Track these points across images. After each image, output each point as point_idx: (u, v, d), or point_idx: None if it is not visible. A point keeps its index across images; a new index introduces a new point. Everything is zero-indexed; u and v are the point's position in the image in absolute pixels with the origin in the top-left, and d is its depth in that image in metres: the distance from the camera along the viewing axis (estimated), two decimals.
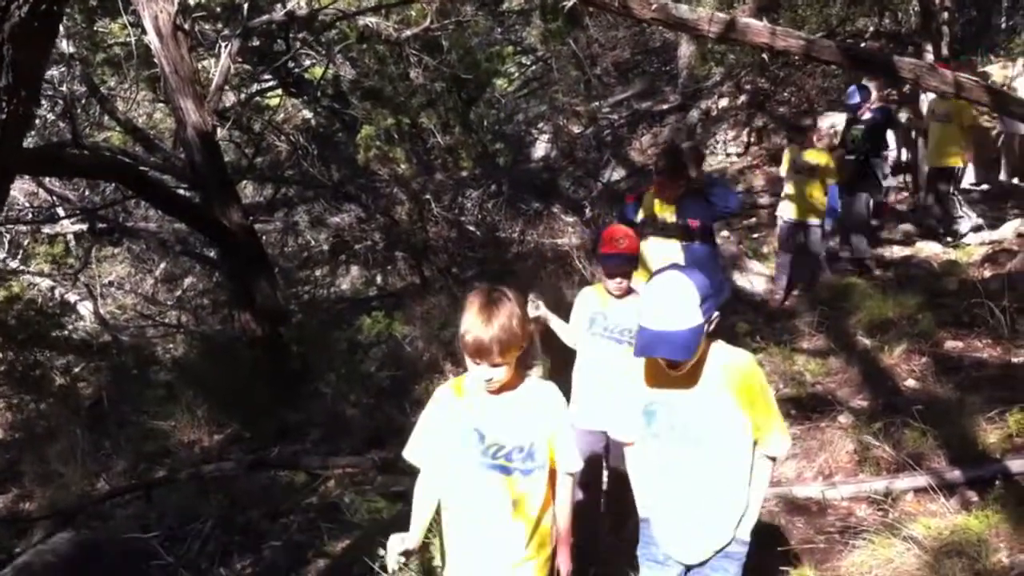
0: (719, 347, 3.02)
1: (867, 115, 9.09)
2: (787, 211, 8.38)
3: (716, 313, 2.88)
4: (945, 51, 10.61)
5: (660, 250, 5.81)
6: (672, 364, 2.89)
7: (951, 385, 5.90)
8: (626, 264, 4.43)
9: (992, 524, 4.24)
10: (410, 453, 3.09)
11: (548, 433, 2.97)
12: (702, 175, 6.47)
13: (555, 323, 4.66)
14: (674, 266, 3.01)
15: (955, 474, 4.82)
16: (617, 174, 13.75)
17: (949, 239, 9.28)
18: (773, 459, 3.14)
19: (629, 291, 4.44)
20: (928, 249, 8.60)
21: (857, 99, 9.12)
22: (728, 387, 2.95)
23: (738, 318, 7.81)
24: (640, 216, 6.05)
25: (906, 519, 4.47)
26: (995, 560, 3.97)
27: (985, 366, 6.13)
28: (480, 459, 2.91)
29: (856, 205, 8.78)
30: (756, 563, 4.57)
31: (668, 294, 2.82)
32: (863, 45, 12.43)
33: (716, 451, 2.99)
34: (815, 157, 8.37)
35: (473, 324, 2.83)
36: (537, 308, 4.51)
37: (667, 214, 5.94)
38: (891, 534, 4.29)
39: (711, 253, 5.97)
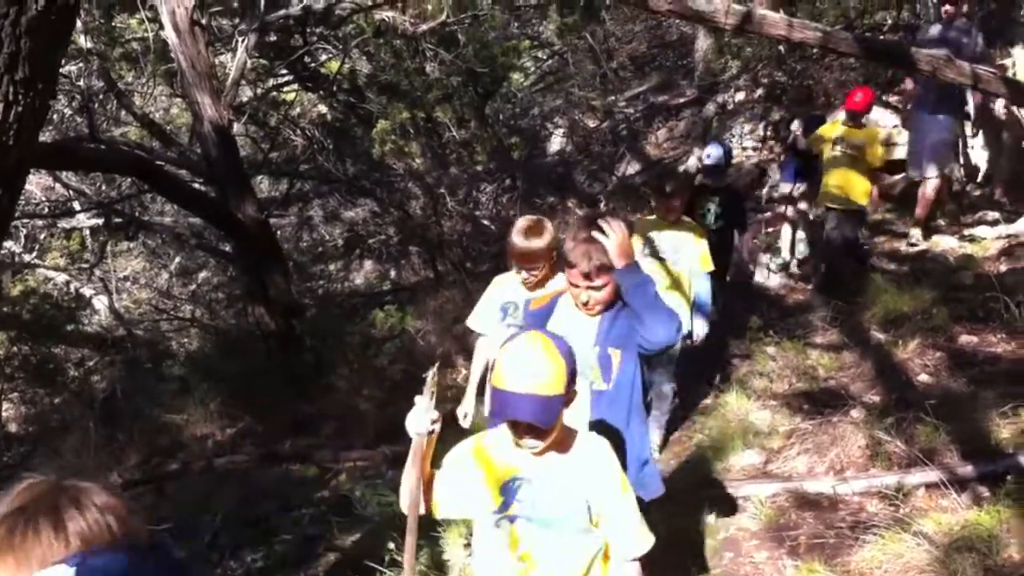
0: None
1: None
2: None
3: (575, 389, 2.66)
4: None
5: None
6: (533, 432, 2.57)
7: (965, 380, 5.83)
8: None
9: (1003, 520, 4.20)
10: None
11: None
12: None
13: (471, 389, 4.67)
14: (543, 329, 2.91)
15: (967, 469, 4.77)
16: (632, 168, 13.71)
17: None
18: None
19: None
20: (943, 243, 8.51)
21: (719, 158, 7.06)
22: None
23: (752, 313, 7.77)
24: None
25: (917, 514, 4.44)
26: (1006, 556, 3.94)
27: (999, 360, 6.06)
28: None
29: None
30: (766, 558, 4.59)
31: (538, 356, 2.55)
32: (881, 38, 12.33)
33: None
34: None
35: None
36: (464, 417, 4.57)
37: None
38: (902, 529, 4.26)
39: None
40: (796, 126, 11.65)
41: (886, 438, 5.17)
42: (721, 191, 6.98)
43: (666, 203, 5.71)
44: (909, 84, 9.19)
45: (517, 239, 4.09)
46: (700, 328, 5.72)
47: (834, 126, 8.20)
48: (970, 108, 9.10)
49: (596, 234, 3.09)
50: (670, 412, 5.98)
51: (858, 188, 7.90)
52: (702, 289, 5.69)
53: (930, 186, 8.62)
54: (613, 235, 3.08)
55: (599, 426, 3.18)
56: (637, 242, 5.40)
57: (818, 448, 5.41)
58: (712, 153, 7.16)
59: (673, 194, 5.68)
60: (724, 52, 14.29)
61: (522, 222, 4.17)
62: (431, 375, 2.65)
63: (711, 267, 5.69)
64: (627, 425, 3.29)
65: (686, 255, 5.62)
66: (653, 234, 5.71)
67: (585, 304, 3.26)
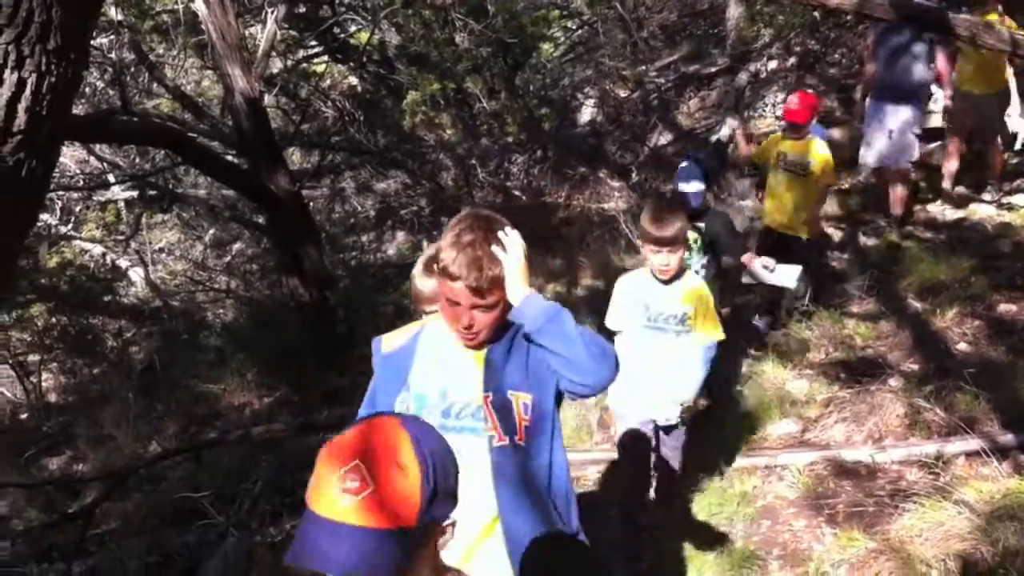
0: None
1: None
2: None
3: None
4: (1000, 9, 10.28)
5: None
6: None
7: (1004, 348, 5.80)
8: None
9: None
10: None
11: None
12: None
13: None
14: None
15: (1008, 438, 4.75)
16: (664, 138, 13.61)
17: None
18: None
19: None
20: (981, 211, 8.42)
21: (700, 192, 5.67)
22: None
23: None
24: None
25: (957, 483, 4.43)
26: None
27: None
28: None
29: None
30: (804, 526, 4.60)
31: None
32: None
33: None
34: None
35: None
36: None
37: None
38: (942, 498, 4.25)
39: None
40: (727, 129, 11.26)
41: (925, 406, 5.16)
42: (707, 217, 5.76)
43: (660, 245, 4.12)
44: (870, 68, 8.18)
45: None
46: (688, 391, 4.30)
47: (779, 138, 6.91)
48: (937, 103, 8.57)
49: (496, 248, 2.41)
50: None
51: (800, 215, 6.68)
52: (704, 359, 4.30)
53: (899, 186, 8.12)
54: (513, 253, 2.41)
55: (511, 499, 2.49)
56: (626, 304, 4.30)
57: (856, 417, 5.39)
58: (690, 190, 5.60)
59: (674, 240, 4.10)
60: (756, 20, 14.11)
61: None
62: None
63: (722, 334, 4.33)
64: (548, 490, 2.57)
65: (696, 319, 4.25)
66: (642, 295, 4.28)
67: (468, 329, 2.46)
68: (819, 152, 6.55)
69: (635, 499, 4.50)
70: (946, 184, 8.65)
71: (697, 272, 5.28)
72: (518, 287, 2.41)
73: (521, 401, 2.51)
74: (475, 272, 2.37)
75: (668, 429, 4.40)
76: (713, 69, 14.54)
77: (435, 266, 2.50)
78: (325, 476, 1.50)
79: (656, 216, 4.07)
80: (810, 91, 7.56)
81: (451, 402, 2.52)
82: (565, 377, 2.48)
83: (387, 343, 2.71)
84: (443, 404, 2.53)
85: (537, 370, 2.52)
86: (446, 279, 2.42)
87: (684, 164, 5.87)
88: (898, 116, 7.83)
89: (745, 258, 6.28)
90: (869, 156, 8.17)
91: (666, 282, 4.22)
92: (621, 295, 4.34)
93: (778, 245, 6.68)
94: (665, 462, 4.52)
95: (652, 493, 4.62)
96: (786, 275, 6.38)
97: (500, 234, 2.42)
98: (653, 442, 4.38)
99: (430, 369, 2.58)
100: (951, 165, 8.57)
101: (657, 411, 4.26)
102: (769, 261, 6.35)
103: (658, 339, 4.22)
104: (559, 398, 2.59)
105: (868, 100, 8.21)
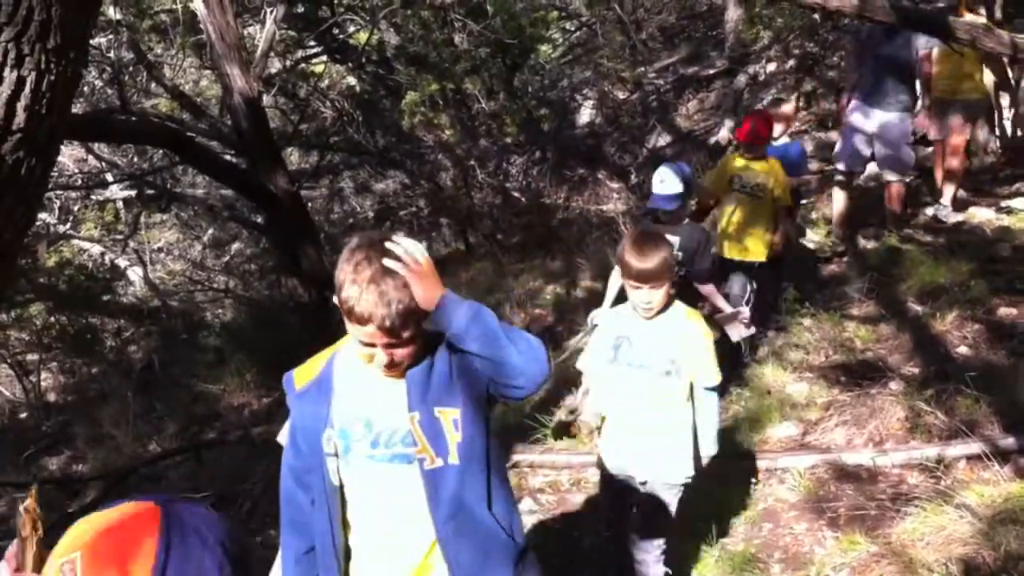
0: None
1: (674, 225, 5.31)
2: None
3: None
4: (999, 14, 10.28)
5: None
6: None
7: (1004, 352, 5.79)
8: None
9: None
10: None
11: None
12: None
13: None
14: None
15: (1009, 441, 4.74)
16: (663, 140, 13.63)
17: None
18: None
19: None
20: (981, 215, 8.41)
21: (676, 191, 5.22)
22: None
23: (787, 284, 7.72)
24: None
25: (959, 486, 4.42)
26: None
27: None
28: None
29: None
30: (805, 529, 4.59)
31: None
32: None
33: None
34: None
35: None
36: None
37: None
38: (943, 501, 4.24)
39: None
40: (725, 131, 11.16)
41: (926, 409, 5.14)
42: (681, 229, 5.29)
43: (642, 281, 3.55)
44: (852, 77, 8.12)
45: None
46: (708, 448, 3.73)
47: (733, 159, 6.59)
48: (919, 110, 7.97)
49: (389, 263, 2.13)
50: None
51: (757, 239, 6.35)
52: (709, 409, 3.70)
53: (894, 190, 7.94)
54: (412, 261, 2.16)
55: (450, 523, 2.34)
56: (606, 344, 3.78)
57: (856, 420, 5.39)
58: (667, 179, 5.16)
59: (658, 274, 3.52)
60: (755, 22, 14.14)
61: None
62: None
63: (717, 377, 3.66)
64: (489, 508, 2.40)
65: (687, 364, 3.59)
66: (624, 333, 3.73)
67: (389, 367, 2.26)
68: (778, 173, 6.33)
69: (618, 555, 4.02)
70: (941, 187, 8.46)
71: None
72: (430, 293, 2.16)
73: (450, 418, 2.30)
74: (383, 310, 2.11)
75: (649, 497, 3.74)
76: (712, 71, 14.57)
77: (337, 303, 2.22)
78: (49, 560, 1.29)
79: (637, 246, 3.55)
80: (764, 109, 7.36)
81: (377, 432, 2.34)
82: (495, 381, 2.27)
83: (300, 378, 2.49)
84: (370, 435, 2.35)
85: (463, 379, 2.32)
86: (353, 322, 2.18)
87: (664, 165, 5.44)
88: (884, 125, 7.68)
89: (706, 290, 5.49)
90: (841, 161, 8.06)
91: (651, 319, 3.63)
92: (600, 333, 3.90)
93: (733, 269, 6.46)
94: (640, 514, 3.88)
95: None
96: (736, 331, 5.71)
97: (390, 245, 2.15)
98: (633, 502, 3.87)
99: (351, 400, 2.38)
100: (939, 172, 8.45)
101: (641, 468, 3.70)
102: (746, 315, 5.76)
103: (641, 383, 3.62)
104: (491, 404, 2.42)
105: (850, 107, 7.97)
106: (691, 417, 3.66)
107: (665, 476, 3.67)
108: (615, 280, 5.20)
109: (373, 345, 2.20)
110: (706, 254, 5.34)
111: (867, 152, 7.91)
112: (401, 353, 2.23)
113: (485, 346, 2.19)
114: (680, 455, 3.65)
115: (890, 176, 7.92)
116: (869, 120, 7.75)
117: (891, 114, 7.67)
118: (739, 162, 6.43)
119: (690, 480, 3.68)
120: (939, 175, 8.45)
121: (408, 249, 2.15)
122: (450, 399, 2.31)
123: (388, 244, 2.15)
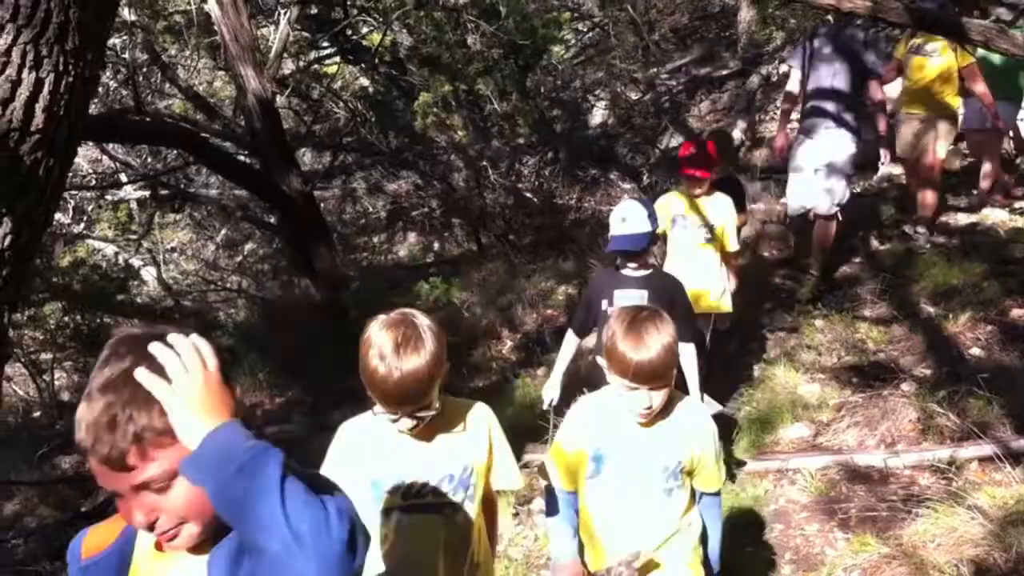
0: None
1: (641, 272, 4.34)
2: None
3: None
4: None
5: None
6: None
7: (1017, 353, 5.78)
8: None
9: None
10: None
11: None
12: None
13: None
14: None
15: (1021, 443, 4.74)
16: (675, 141, 13.59)
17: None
18: None
19: None
20: (994, 216, 8.39)
21: (640, 239, 4.27)
22: None
23: (797, 284, 7.72)
24: None
25: (971, 488, 4.42)
26: None
27: None
28: None
29: None
30: (817, 530, 4.59)
31: None
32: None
33: None
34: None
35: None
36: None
37: None
38: (955, 503, 4.25)
39: None
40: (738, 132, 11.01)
41: (938, 411, 5.15)
42: (649, 278, 4.37)
43: (640, 381, 2.65)
44: (794, 90, 7.27)
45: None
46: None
47: (676, 196, 5.60)
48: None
49: (142, 375, 1.43)
50: None
51: (708, 288, 5.38)
52: (710, 519, 3.01)
53: (831, 228, 7.23)
54: (185, 371, 1.46)
55: None
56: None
57: (868, 421, 5.39)
58: (630, 215, 4.25)
59: (661, 372, 2.67)
60: (768, 23, 14.13)
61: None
62: None
63: (720, 482, 2.97)
64: None
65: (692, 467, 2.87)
66: (612, 439, 2.85)
67: (159, 533, 1.52)
68: (723, 212, 5.44)
69: None
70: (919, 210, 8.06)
71: None
72: (191, 423, 1.43)
73: None
74: (106, 434, 1.42)
75: None
76: (724, 72, 14.56)
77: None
78: None
79: (633, 332, 2.61)
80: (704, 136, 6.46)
81: None
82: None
83: (89, 545, 1.72)
84: None
85: None
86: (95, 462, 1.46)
87: (628, 199, 4.79)
88: (827, 153, 7.00)
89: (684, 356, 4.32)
90: (794, 199, 7.36)
91: (648, 424, 2.79)
92: (568, 441, 2.94)
93: None
94: None
95: None
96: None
97: (154, 347, 1.45)
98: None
99: None
100: (914, 189, 8.13)
101: None
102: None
103: (636, 499, 2.82)
104: None
105: (796, 131, 7.38)
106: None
107: None
108: (569, 345, 4.48)
109: (122, 496, 1.50)
110: (680, 308, 4.25)
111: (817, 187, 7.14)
112: (169, 509, 1.50)
113: (237, 515, 1.40)
114: None
115: (820, 208, 7.18)
116: (813, 153, 7.07)
117: (842, 130, 6.96)
118: (682, 199, 5.52)
119: None
120: (915, 192, 8.13)
121: (183, 352, 1.48)
122: None
123: (153, 347, 1.46)
